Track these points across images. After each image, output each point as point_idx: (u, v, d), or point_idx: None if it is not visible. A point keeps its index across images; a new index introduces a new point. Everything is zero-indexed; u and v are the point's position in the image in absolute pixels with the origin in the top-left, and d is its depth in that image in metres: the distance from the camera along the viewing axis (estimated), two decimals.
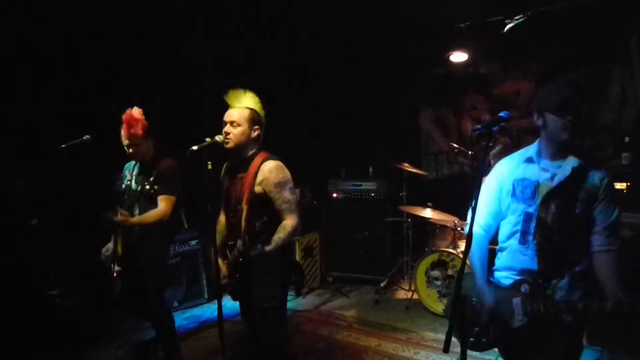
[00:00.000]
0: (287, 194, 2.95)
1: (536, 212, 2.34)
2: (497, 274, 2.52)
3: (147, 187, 3.43)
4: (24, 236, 4.20)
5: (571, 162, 2.30)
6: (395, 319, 4.88)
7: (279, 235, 2.90)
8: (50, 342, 4.00)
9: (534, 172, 2.39)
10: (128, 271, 3.48)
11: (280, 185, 2.93)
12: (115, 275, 3.44)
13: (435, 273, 4.88)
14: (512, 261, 2.44)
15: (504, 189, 2.49)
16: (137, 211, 3.50)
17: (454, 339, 2.05)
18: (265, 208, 2.94)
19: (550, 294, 2.29)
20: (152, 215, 3.46)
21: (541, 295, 2.28)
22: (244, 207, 2.89)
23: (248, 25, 5.41)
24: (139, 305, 3.70)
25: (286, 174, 2.99)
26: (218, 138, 2.91)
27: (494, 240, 2.64)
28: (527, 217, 2.37)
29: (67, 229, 4.53)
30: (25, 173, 4.52)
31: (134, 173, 3.61)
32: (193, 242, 5.38)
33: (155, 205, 3.47)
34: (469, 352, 3.92)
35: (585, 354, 2.45)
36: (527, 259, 2.36)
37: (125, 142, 3.48)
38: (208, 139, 2.86)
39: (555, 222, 2.29)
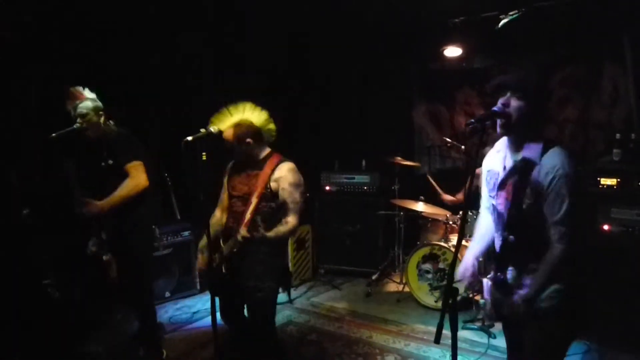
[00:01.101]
0: (297, 196, 3.06)
1: (496, 203, 2.36)
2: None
3: (108, 162, 3.31)
4: (15, 226, 4.19)
5: (525, 151, 2.22)
6: (386, 311, 4.92)
7: (280, 228, 3.00)
8: (41, 332, 3.99)
9: (497, 162, 2.39)
10: (117, 261, 3.48)
11: (294, 186, 3.05)
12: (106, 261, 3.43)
13: (427, 266, 4.92)
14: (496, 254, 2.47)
15: (484, 180, 2.53)
16: (109, 189, 3.38)
17: (445, 330, 2.08)
18: (271, 205, 3.03)
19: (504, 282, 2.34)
20: (126, 186, 3.34)
21: (497, 281, 2.37)
22: (254, 200, 2.98)
23: (242, 19, 5.40)
24: (125, 294, 3.70)
25: (301, 178, 3.13)
26: (212, 129, 2.93)
27: None
28: (493, 208, 2.41)
29: (59, 219, 4.51)
30: (17, 163, 4.50)
31: (81, 157, 3.52)
32: (185, 233, 5.38)
33: (122, 179, 3.36)
34: (465, 343, 4.00)
35: (572, 348, 2.47)
36: (496, 247, 2.41)
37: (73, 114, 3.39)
38: (203, 130, 2.88)
39: (506, 215, 2.28)
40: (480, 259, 2.57)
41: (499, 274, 2.35)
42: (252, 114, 3.11)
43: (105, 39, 4.75)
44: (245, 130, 3.06)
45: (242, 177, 3.14)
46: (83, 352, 4.00)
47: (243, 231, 2.88)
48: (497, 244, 2.39)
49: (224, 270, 3.07)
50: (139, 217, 3.52)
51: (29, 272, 4.18)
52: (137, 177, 3.38)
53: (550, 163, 2.14)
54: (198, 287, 5.47)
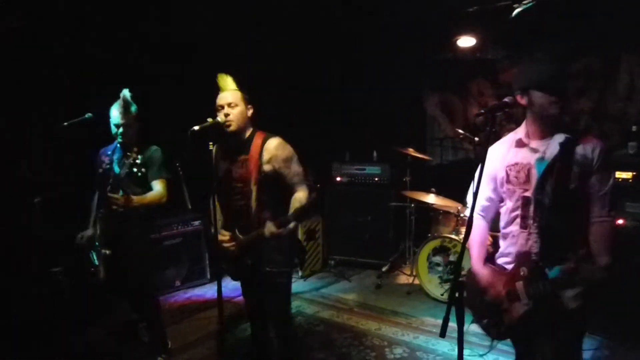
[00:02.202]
0: (296, 167, 2.96)
1: (533, 195, 2.28)
2: (500, 260, 2.50)
3: (135, 170, 3.30)
4: (27, 214, 4.22)
5: (558, 138, 2.25)
6: (395, 303, 4.90)
7: (296, 206, 2.75)
8: (52, 319, 4.04)
9: (525, 154, 2.33)
10: (114, 255, 3.48)
11: (288, 159, 2.94)
12: (97, 261, 3.48)
13: (437, 259, 4.88)
14: (514, 246, 2.39)
15: (497, 177, 2.45)
16: (120, 194, 3.43)
17: (451, 323, 2.06)
18: (273, 186, 2.92)
19: (548, 274, 2.23)
20: (152, 196, 3.49)
21: (541, 276, 2.22)
22: (253, 188, 2.87)
23: (250, 9, 5.36)
24: (124, 289, 3.73)
25: (290, 148, 2.99)
26: (220, 118, 2.89)
27: (495, 228, 2.63)
28: (525, 202, 2.31)
29: (69, 207, 4.54)
30: (28, 151, 4.53)
31: (115, 157, 3.54)
32: (196, 222, 5.40)
33: (142, 189, 3.48)
34: (474, 337, 3.97)
35: (585, 344, 2.42)
36: (529, 243, 2.30)
37: (122, 121, 3.43)
38: (210, 119, 2.84)
39: (552, 202, 2.23)
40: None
41: (545, 269, 2.23)
42: (234, 82, 3.02)
43: (117, 24, 4.75)
44: (248, 97, 3.00)
45: (233, 165, 2.98)
46: (89, 339, 4.03)
47: (271, 227, 2.69)
48: (537, 238, 2.29)
49: (237, 254, 3.00)
50: (140, 223, 3.60)
51: (39, 260, 4.22)
52: (163, 192, 3.55)
53: (593, 141, 2.22)
54: (208, 276, 5.50)
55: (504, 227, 2.47)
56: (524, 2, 4.38)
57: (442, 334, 2.09)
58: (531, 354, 2.37)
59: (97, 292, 4.22)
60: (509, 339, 2.54)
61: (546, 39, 5.43)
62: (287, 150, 2.96)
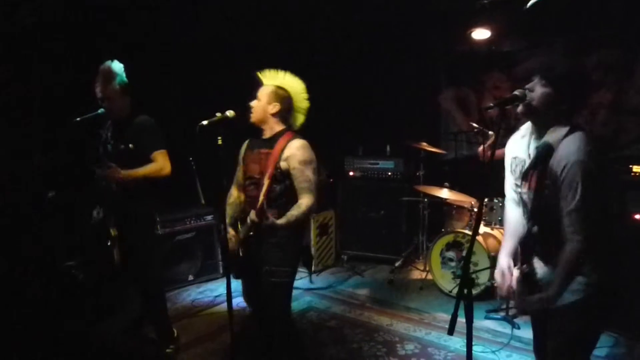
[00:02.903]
0: (309, 173, 2.96)
1: (522, 193, 2.27)
2: None
3: (128, 145, 3.32)
4: (41, 208, 4.27)
5: (543, 141, 2.13)
6: (408, 298, 4.87)
7: (292, 212, 2.90)
8: (65, 313, 4.08)
9: (524, 149, 2.27)
10: (121, 236, 3.46)
11: (305, 163, 2.95)
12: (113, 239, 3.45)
13: (450, 254, 4.84)
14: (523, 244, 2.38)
15: (508, 167, 2.41)
16: None
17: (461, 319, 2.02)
18: (285, 185, 2.96)
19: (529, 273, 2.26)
20: (148, 169, 3.38)
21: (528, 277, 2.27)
22: (266, 181, 2.89)
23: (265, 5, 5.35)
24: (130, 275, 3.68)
25: (312, 154, 3.02)
26: (229, 113, 2.90)
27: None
28: (520, 197, 2.32)
29: (83, 201, 4.58)
30: (42, 146, 4.57)
31: (108, 134, 3.50)
32: (209, 217, 5.41)
33: (138, 164, 3.38)
34: (488, 333, 3.93)
35: (600, 341, 2.38)
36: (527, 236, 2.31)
37: (101, 95, 3.37)
38: (218, 114, 2.86)
39: (531, 204, 2.18)
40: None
41: (524, 265, 2.26)
42: (291, 80, 3.14)
43: (130, 19, 4.77)
44: (282, 95, 3.08)
45: (254, 155, 3.07)
46: (97, 332, 4.07)
47: (252, 215, 2.82)
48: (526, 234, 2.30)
49: (241, 254, 3.07)
50: (144, 203, 3.54)
51: (54, 253, 4.27)
52: (162, 163, 3.44)
53: (565, 149, 2.03)
54: (221, 270, 5.51)
55: None
56: None
57: (450, 331, 2.05)
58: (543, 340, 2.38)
59: (113, 284, 4.27)
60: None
61: (563, 31, 5.34)
62: (308, 154, 2.99)
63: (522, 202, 2.28)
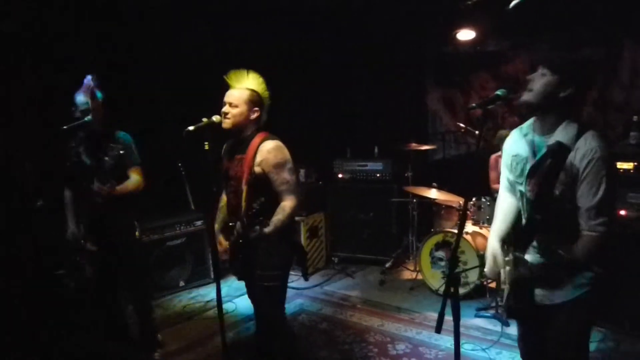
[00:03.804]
0: (286, 175, 2.93)
1: (524, 190, 2.28)
2: None
3: (107, 159, 3.32)
4: (30, 217, 4.25)
5: (553, 139, 2.12)
6: (399, 299, 4.89)
7: (278, 217, 2.89)
8: (55, 322, 4.06)
9: (524, 147, 2.28)
10: (102, 249, 3.51)
11: (279, 166, 2.91)
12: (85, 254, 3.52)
13: (440, 254, 4.86)
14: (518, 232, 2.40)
15: (506, 165, 2.44)
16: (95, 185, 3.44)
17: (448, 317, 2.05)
18: (264, 189, 2.91)
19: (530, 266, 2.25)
20: (132, 184, 3.51)
21: (520, 264, 2.26)
22: (244, 187, 2.89)
23: (249, 7, 5.36)
24: (114, 285, 3.73)
25: (285, 154, 2.97)
26: (215, 118, 2.90)
27: None
28: (520, 194, 2.33)
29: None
30: (31, 155, 4.55)
31: (81, 149, 3.52)
32: (199, 223, 5.40)
33: (118, 178, 3.43)
34: (477, 331, 3.96)
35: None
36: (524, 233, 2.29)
37: (90, 106, 3.39)
38: (205, 119, 2.85)
39: (537, 201, 2.15)
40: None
41: (517, 253, 2.25)
42: (257, 80, 3.05)
43: (115, 26, 4.77)
44: (258, 99, 3.01)
45: (231, 163, 3.04)
46: (95, 339, 4.05)
47: (238, 227, 2.84)
48: (526, 230, 2.27)
49: (231, 258, 3.08)
50: (128, 214, 3.65)
51: (43, 262, 4.24)
52: (141, 179, 3.58)
53: (587, 146, 2.05)
54: (212, 276, 5.49)
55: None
56: None
57: (438, 329, 2.09)
58: (533, 333, 2.40)
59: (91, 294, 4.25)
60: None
61: (547, 30, 5.41)
62: (280, 155, 2.94)
63: (525, 199, 2.29)
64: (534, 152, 2.22)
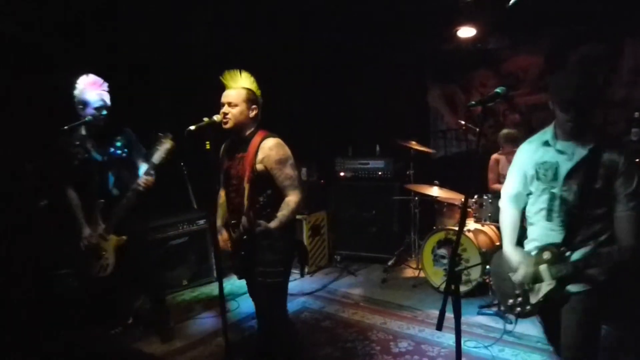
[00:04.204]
0: (288, 170, 2.97)
1: (559, 192, 2.45)
2: (527, 246, 2.67)
3: (120, 153, 3.49)
4: (34, 217, 4.26)
5: (586, 143, 2.40)
6: (401, 297, 4.90)
7: (283, 212, 2.92)
8: (59, 321, 4.08)
9: (552, 154, 2.49)
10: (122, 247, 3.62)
11: (281, 162, 2.95)
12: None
13: (442, 251, 4.87)
14: (539, 235, 2.57)
15: (527, 173, 2.60)
16: (111, 180, 3.60)
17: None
18: (267, 185, 2.94)
19: (569, 257, 2.42)
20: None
21: (562, 260, 2.41)
22: (246, 185, 2.90)
23: (249, 7, 5.36)
24: (132, 276, 3.90)
25: (286, 150, 3.01)
26: (216, 118, 2.92)
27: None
28: (552, 197, 2.49)
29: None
30: (34, 155, 4.57)
31: (89, 145, 3.60)
32: (201, 221, 5.41)
33: (128, 171, 3.61)
34: (480, 328, 3.96)
35: None
36: (553, 234, 2.49)
37: (109, 104, 3.57)
38: (206, 119, 2.87)
39: (577, 199, 2.42)
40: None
41: (567, 253, 2.43)
42: (250, 79, 3.08)
43: (118, 21, 4.79)
44: (255, 97, 3.04)
45: (232, 162, 3.06)
46: (98, 337, 4.08)
47: (244, 221, 2.85)
48: (560, 229, 2.48)
49: (233, 256, 3.09)
50: (144, 213, 3.82)
51: (47, 262, 4.26)
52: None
53: (618, 147, 2.40)
54: (215, 274, 5.51)
55: (531, 217, 2.66)
56: None
57: (439, 326, 2.10)
58: (558, 327, 2.52)
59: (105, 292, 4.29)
60: (533, 316, 2.67)
61: (548, 27, 5.41)
62: (282, 152, 2.98)
63: (560, 199, 2.46)
64: (565, 156, 2.44)
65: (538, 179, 2.54)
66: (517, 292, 2.56)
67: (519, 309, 2.57)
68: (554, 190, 2.47)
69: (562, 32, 5.38)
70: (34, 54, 4.45)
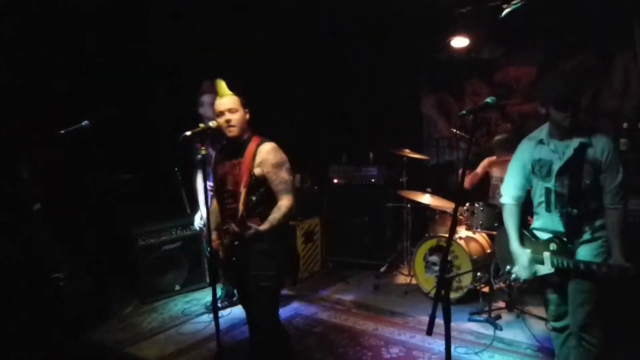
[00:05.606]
0: (284, 174, 2.99)
1: (553, 187, 2.76)
2: (535, 231, 2.97)
3: None
4: (27, 221, 4.27)
5: (574, 143, 2.67)
6: (393, 303, 4.93)
7: (274, 215, 2.93)
8: (53, 325, 4.08)
9: (546, 152, 2.78)
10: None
11: (278, 165, 2.98)
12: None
13: (433, 258, 4.90)
14: (544, 224, 2.90)
15: (526, 168, 2.91)
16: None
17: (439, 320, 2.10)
18: (262, 190, 2.95)
19: (573, 251, 2.75)
20: None
21: (566, 253, 2.73)
22: (242, 190, 2.91)
23: (246, 11, 5.41)
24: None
25: (283, 155, 3.04)
26: (212, 124, 2.95)
27: None
28: (547, 191, 2.80)
29: (69, 213, 4.60)
30: (28, 159, 4.58)
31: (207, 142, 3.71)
32: (194, 227, 5.41)
33: None
34: (470, 335, 3.99)
35: None
36: (554, 223, 2.82)
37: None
38: (201, 125, 2.90)
39: (569, 193, 2.70)
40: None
41: (569, 245, 2.75)
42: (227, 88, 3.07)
43: (114, 29, 4.81)
44: (242, 100, 3.04)
45: (226, 167, 3.06)
46: (91, 342, 4.08)
47: (234, 227, 2.83)
48: (560, 220, 2.79)
49: (225, 262, 3.10)
50: None
51: (41, 266, 4.26)
52: None
53: (602, 142, 2.65)
54: (207, 280, 5.52)
55: (534, 208, 2.97)
56: (513, 2, 4.41)
57: (429, 331, 2.13)
58: (565, 302, 2.85)
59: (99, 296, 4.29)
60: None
61: (541, 37, 5.48)
62: (279, 156, 3.01)
63: (555, 194, 2.77)
64: (557, 155, 2.73)
65: (534, 174, 2.85)
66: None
67: (514, 276, 2.94)
68: (549, 185, 2.78)
69: (554, 43, 5.45)
70: (34, 54, 4.48)
